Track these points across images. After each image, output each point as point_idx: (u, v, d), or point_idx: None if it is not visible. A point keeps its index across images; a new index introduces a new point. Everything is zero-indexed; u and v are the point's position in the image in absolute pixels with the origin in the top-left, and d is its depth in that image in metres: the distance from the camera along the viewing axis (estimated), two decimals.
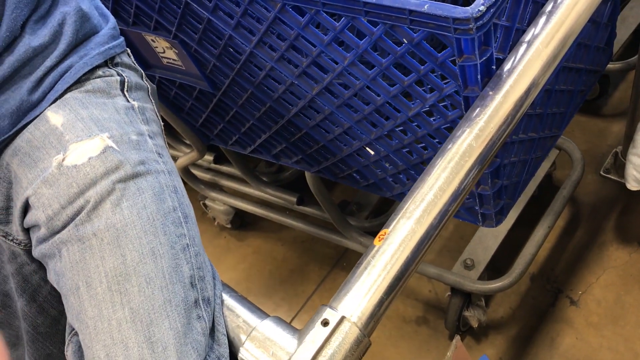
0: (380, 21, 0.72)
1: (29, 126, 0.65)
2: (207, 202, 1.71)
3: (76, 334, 0.64)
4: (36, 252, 0.66)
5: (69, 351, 0.65)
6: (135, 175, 0.64)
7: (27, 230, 0.67)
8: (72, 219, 0.62)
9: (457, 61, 0.71)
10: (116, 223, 0.61)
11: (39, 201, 0.63)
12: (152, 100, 0.77)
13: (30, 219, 0.65)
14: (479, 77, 0.71)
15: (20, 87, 0.65)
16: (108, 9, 0.77)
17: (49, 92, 0.66)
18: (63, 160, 0.63)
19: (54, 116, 0.65)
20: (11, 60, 0.64)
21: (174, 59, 1.07)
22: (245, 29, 0.88)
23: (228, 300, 0.66)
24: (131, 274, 0.60)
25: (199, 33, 0.94)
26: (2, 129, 0.65)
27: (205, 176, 1.70)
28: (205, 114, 1.20)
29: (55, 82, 0.67)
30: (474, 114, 0.68)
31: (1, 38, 0.62)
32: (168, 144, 1.81)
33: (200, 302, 0.64)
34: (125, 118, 0.68)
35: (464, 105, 0.76)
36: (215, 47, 0.96)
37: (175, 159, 1.62)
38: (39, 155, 0.64)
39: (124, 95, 0.70)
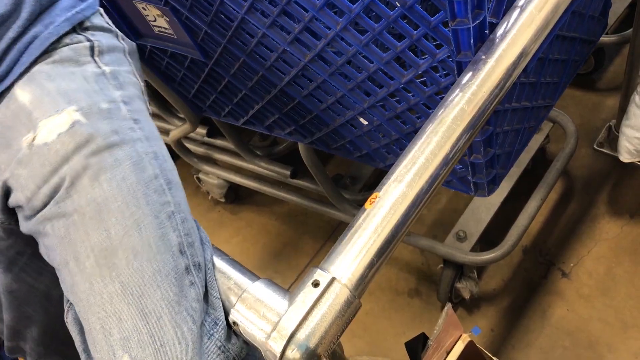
0: None
1: (0, 106, 0.64)
2: (201, 175, 1.71)
3: None
4: (24, 229, 0.65)
5: (69, 318, 0.65)
6: (109, 146, 0.62)
7: (5, 210, 0.67)
8: (50, 197, 0.61)
9: (450, 25, 0.70)
10: (96, 197, 0.61)
11: (17, 182, 0.62)
12: (130, 61, 0.74)
13: (13, 200, 0.64)
14: (471, 41, 0.71)
15: None
16: None
17: (14, 65, 0.64)
18: (33, 139, 0.61)
19: (22, 93, 0.63)
20: None
21: (165, 28, 1.06)
22: None
23: (219, 263, 0.66)
24: (117, 247, 0.60)
25: None
26: None
27: (199, 150, 1.70)
28: (197, 84, 1.19)
29: (21, 54, 0.64)
30: (467, 79, 0.67)
31: None
32: (160, 116, 1.80)
33: (192, 268, 0.63)
34: (94, 86, 0.66)
35: (456, 70, 0.76)
36: (206, 13, 0.95)
37: (167, 132, 1.61)
38: (12, 135, 0.63)
39: (95, 62, 0.68)
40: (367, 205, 0.63)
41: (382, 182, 0.63)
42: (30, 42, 0.64)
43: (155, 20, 1.06)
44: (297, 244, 1.64)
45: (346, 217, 1.43)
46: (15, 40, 0.64)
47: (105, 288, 0.60)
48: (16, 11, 0.64)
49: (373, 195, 0.63)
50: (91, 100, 0.64)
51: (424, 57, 0.79)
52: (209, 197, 1.77)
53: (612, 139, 1.49)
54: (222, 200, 1.73)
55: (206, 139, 1.69)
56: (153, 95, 1.54)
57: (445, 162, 0.64)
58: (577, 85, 1.69)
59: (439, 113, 0.66)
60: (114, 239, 0.60)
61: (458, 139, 0.64)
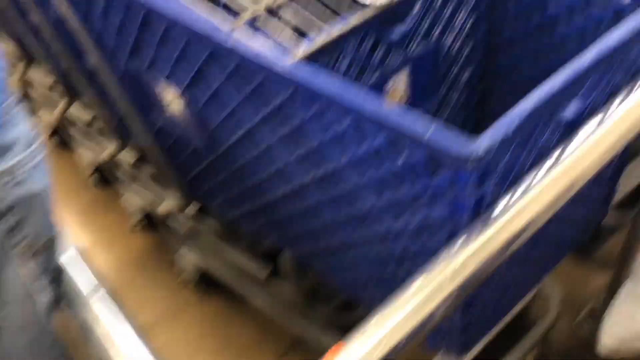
0: (382, 133, 0.71)
1: None
2: (179, 254, 1.67)
3: None
4: None
5: None
6: None
7: None
8: None
9: (449, 191, 0.70)
10: None
11: None
12: None
13: None
14: (468, 212, 0.70)
15: None
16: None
17: None
18: None
19: None
20: None
21: (177, 112, 1.06)
22: (253, 104, 0.87)
23: None
24: None
25: (207, 95, 0.94)
26: None
27: (185, 227, 1.67)
28: (196, 170, 1.19)
29: None
30: (455, 250, 0.66)
31: None
32: (156, 188, 1.78)
33: None
34: None
35: (447, 237, 0.75)
36: (219, 112, 0.95)
37: (158, 203, 1.59)
38: None
39: None
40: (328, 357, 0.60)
41: (349, 335, 0.60)
42: None
43: (169, 103, 1.07)
44: (260, 345, 1.57)
45: (314, 332, 1.38)
46: None
47: None
48: None
49: (336, 347, 0.61)
50: None
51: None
52: (180, 278, 1.72)
53: (594, 318, 1.46)
54: (192, 283, 1.69)
55: (192, 216, 1.66)
56: (153, 165, 1.53)
57: (411, 335, 0.61)
58: (569, 256, 1.68)
59: (418, 279, 0.64)
60: None
61: (431, 314, 0.62)
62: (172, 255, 1.70)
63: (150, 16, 0.89)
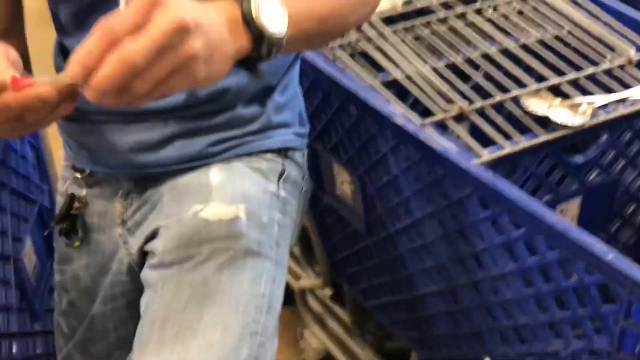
0: (556, 248, 0.71)
1: (193, 172, 0.76)
2: (305, 332, 1.70)
3: None
4: (142, 274, 0.74)
5: None
6: (247, 252, 0.71)
7: (140, 251, 0.77)
8: (180, 261, 0.70)
9: (619, 322, 0.67)
10: (211, 284, 0.68)
11: (165, 233, 0.72)
12: (301, 200, 0.85)
13: (151, 245, 0.74)
14: (637, 348, 0.67)
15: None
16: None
17: (232, 149, 0.77)
18: (200, 211, 0.72)
19: (215, 173, 0.76)
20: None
21: (346, 193, 1.13)
22: (427, 196, 0.91)
23: None
24: (198, 334, 0.66)
25: (382, 182, 0.99)
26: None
27: (317, 308, 1.70)
28: (347, 252, 1.23)
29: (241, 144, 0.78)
30: None
31: None
32: (300, 263, 1.83)
33: None
34: (267, 201, 0.76)
35: None
36: (391, 198, 0.99)
37: (299, 277, 1.65)
38: (187, 197, 0.74)
39: (277, 185, 0.79)
40: None
41: None
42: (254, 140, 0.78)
43: (342, 184, 1.13)
44: None
45: None
46: (256, 132, 0.78)
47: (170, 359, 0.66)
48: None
49: None
50: (258, 209, 0.74)
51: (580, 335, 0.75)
52: (302, 356, 1.73)
53: None
54: None
55: (328, 300, 1.69)
56: (301, 239, 1.60)
57: None
58: None
59: None
60: (201, 326, 0.66)
61: None
62: (297, 332, 1.73)
63: (347, 103, 0.98)
